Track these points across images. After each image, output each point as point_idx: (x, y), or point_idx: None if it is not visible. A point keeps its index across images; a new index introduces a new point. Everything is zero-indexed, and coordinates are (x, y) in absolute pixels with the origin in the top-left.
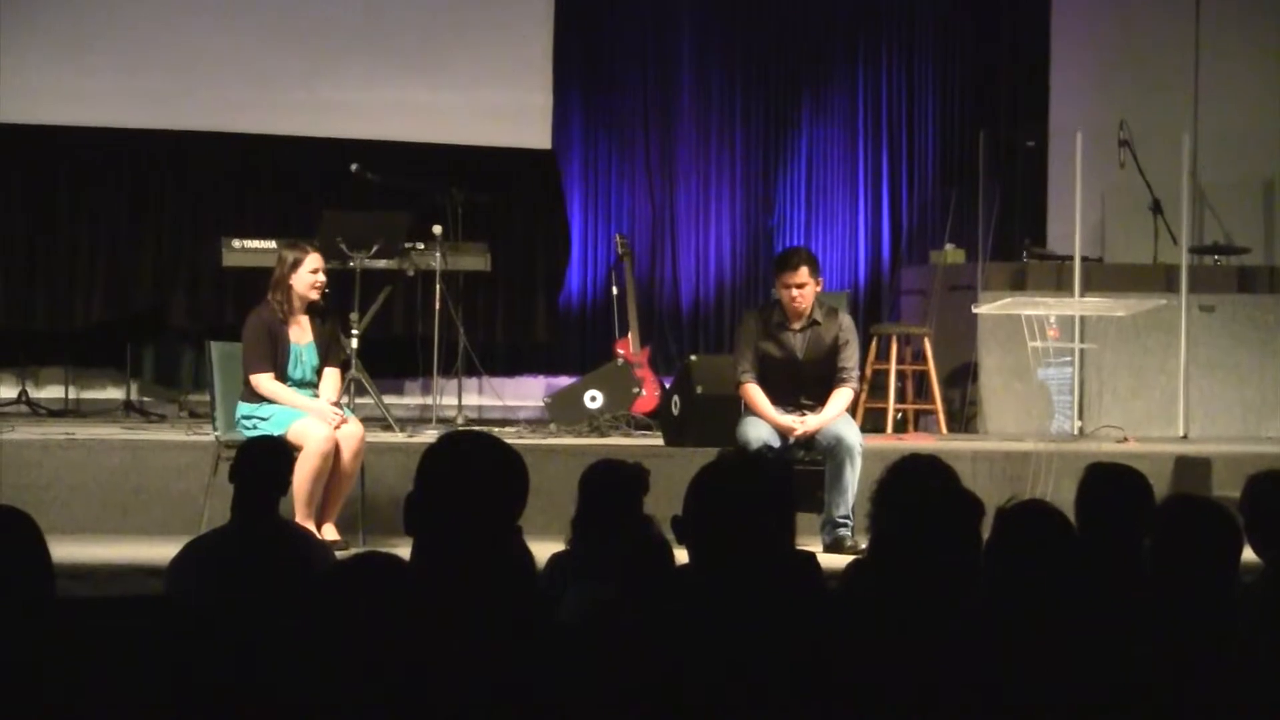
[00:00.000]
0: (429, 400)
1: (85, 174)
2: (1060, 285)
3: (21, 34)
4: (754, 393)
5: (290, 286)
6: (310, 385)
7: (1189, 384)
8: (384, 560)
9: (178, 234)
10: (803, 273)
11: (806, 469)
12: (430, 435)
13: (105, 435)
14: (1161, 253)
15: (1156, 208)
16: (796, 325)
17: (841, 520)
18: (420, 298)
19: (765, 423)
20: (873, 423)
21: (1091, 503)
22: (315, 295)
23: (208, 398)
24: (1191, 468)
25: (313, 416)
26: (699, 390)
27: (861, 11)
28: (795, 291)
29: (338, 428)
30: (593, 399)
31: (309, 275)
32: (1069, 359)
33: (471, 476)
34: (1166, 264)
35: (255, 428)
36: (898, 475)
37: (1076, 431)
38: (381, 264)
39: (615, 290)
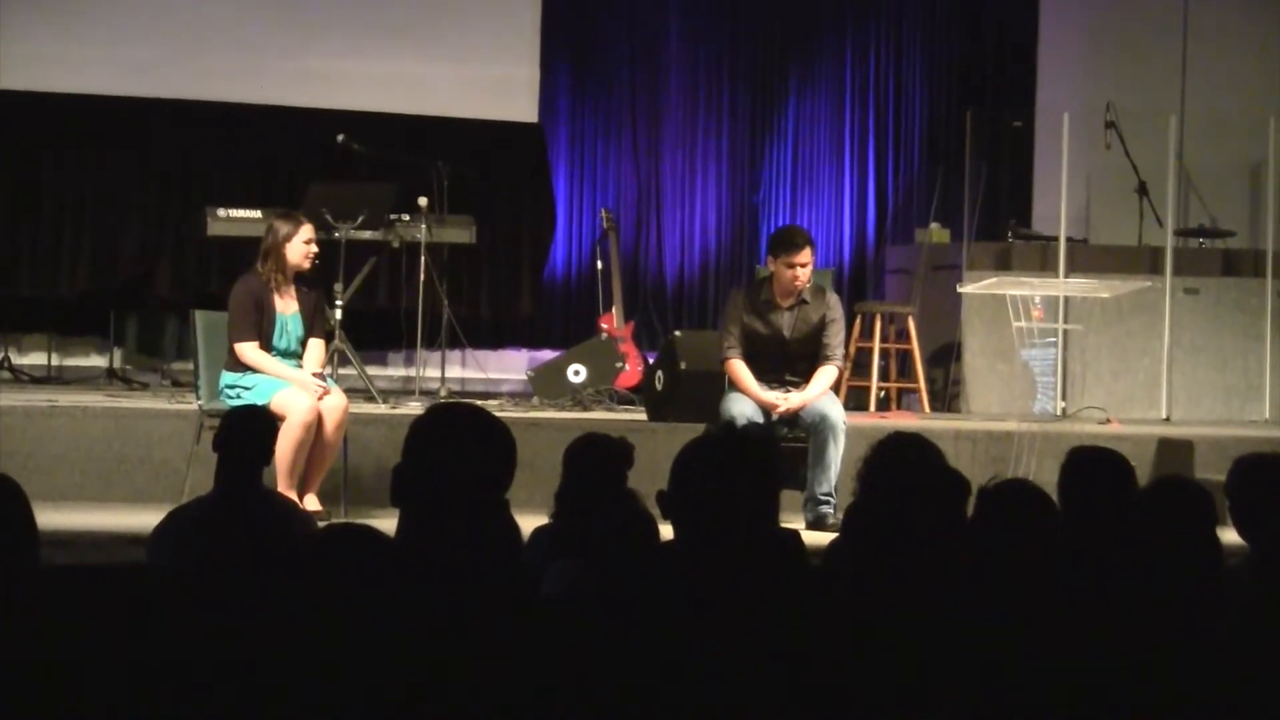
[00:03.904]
0: (412, 372)
1: (70, 141)
2: (1045, 266)
3: (7, 0)
4: (738, 368)
5: (284, 255)
6: (294, 355)
7: (1172, 366)
8: (358, 531)
9: (162, 203)
10: (807, 253)
11: (790, 446)
12: (413, 407)
13: (88, 403)
14: (1146, 235)
15: (1142, 190)
16: (785, 303)
17: (824, 498)
18: (405, 270)
19: (749, 399)
20: (855, 401)
21: (1074, 487)
22: (308, 265)
23: (190, 367)
24: (1174, 450)
25: (296, 387)
26: (683, 366)
27: None
28: (799, 270)
29: (321, 398)
30: (576, 373)
31: (303, 245)
32: (1053, 340)
33: (460, 449)
34: (1151, 246)
35: (239, 397)
36: (884, 453)
37: (1059, 412)
38: (366, 235)
39: (600, 264)
